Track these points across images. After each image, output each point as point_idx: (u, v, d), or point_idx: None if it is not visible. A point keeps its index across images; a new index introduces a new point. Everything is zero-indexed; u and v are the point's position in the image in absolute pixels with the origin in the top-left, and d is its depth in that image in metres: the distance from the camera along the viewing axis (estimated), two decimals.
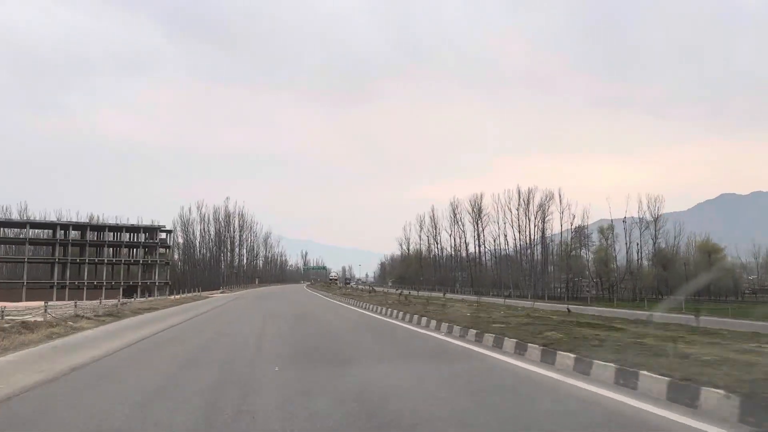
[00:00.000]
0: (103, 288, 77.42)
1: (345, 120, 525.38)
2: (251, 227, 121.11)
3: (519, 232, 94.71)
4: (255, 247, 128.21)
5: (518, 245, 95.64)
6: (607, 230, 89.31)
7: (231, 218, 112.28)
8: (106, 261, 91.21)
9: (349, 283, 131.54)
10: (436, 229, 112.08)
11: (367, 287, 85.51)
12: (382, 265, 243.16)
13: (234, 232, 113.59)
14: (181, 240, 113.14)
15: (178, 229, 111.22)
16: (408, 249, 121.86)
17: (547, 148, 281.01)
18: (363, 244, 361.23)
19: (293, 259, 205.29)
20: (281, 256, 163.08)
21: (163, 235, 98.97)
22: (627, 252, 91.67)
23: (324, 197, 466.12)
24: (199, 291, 70.12)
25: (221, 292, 63.63)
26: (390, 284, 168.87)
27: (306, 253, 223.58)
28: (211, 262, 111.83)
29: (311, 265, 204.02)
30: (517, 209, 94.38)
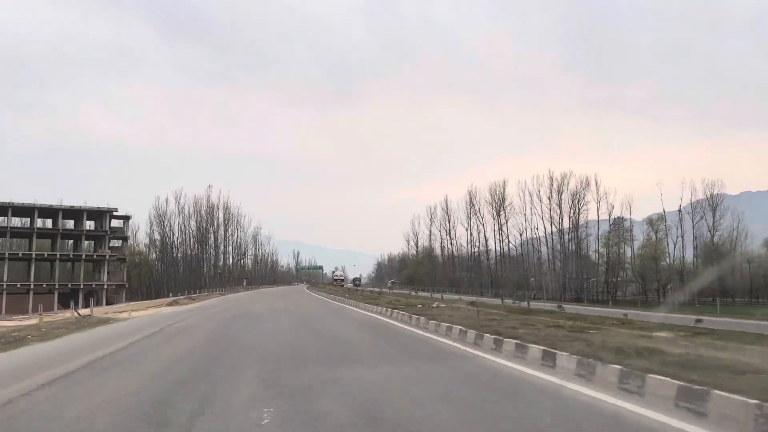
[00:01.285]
0: (31, 293, 59.18)
1: (332, 120, 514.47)
2: (238, 221, 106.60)
3: (551, 224, 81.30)
4: (243, 244, 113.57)
5: (549, 240, 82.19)
6: (657, 222, 76.19)
7: (214, 210, 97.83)
8: (34, 256, 65.78)
9: (358, 285, 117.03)
10: (449, 223, 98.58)
11: (376, 290, 71.98)
12: (379, 265, 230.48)
13: (218, 226, 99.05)
14: (158, 236, 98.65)
15: (155, 224, 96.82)
16: (417, 245, 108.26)
17: (540, 147, 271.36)
18: (353, 245, 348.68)
19: (284, 260, 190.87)
20: (272, 255, 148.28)
21: (118, 223, 77.90)
22: (674, 247, 78.74)
23: (312, 198, 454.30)
24: (173, 296, 56.25)
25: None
26: (389, 285, 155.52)
27: (298, 253, 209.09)
28: (192, 262, 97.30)
29: (304, 264, 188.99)
30: (549, 198, 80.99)
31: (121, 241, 79.01)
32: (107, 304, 44.15)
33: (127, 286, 67.19)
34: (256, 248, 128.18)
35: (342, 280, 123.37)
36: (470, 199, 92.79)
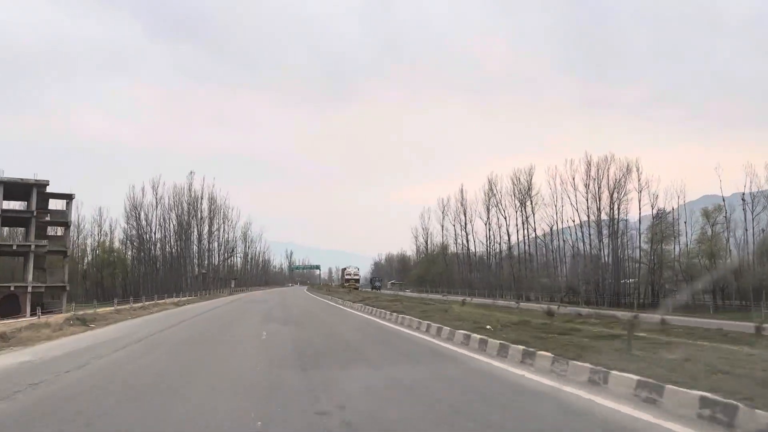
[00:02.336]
0: None
1: (326, 121, 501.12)
2: (225, 214, 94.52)
3: (587, 216, 70.17)
4: (231, 240, 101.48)
5: (586, 235, 71.10)
6: (714, 212, 65.25)
7: (197, 202, 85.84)
8: None
9: (378, 288, 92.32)
10: (465, 216, 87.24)
11: (393, 294, 60.29)
12: (376, 265, 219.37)
13: (202, 219, 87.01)
14: (134, 231, 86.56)
15: (131, 217, 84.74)
16: (427, 242, 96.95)
17: (536, 149, 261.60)
18: (347, 246, 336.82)
19: (276, 260, 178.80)
20: (264, 253, 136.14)
21: (58, 205, 56.16)
22: (727, 242, 67.93)
23: (304, 199, 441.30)
24: (147, 300, 44.37)
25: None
26: (389, 287, 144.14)
27: (291, 253, 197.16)
28: (172, 261, 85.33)
29: (298, 264, 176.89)
30: (586, 185, 69.89)
31: (62, 229, 58.16)
32: (43, 311, 32.35)
33: (68, 288, 53.05)
34: (246, 246, 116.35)
35: (356, 281, 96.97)
36: (491, 187, 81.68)
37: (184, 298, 42.81)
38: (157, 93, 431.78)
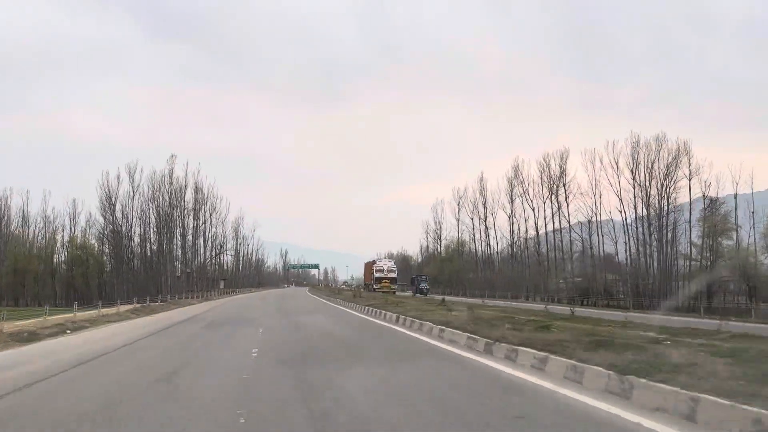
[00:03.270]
0: None
1: (320, 121, 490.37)
2: (213, 206, 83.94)
3: (634, 207, 60.49)
4: (220, 235, 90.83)
5: (632, 228, 61.40)
6: None
7: (181, 191, 75.29)
8: None
9: (425, 291, 65.29)
10: (486, 208, 77.26)
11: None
12: None
13: (186, 211, 76.42)
14: (110, 226, 75.96)
15: (106, 209, 74.15)
16: (440, 238, 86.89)
17: (531, 150, 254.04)
18: (343, 247, 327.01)
19: (271, 259, 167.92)
20: (258, 251, 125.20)
21: None
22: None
23: (299, 199, 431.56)
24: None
25: None
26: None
27: (286, 252, 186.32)
28: (152, 259, 74.91)
29: (294, 263, 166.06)
30: (633, 171, 60.22)
31: None
32: None
33: None
34: (237, 243, 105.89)
35: (390, 281, 64.94)
36: (515, 173, 71.83)
37: (156, 305, 32.20)
38: (150, 93, 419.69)
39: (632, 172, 60.12)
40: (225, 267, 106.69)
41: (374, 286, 63.02)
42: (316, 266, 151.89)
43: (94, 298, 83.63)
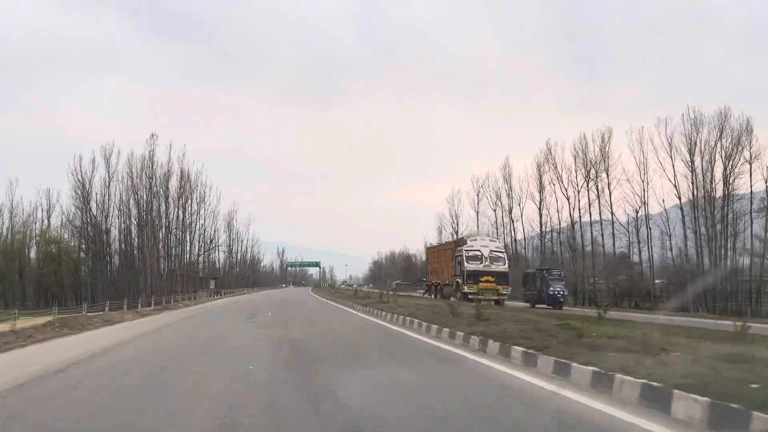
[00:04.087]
0: None
1: (318, 120, 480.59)
2: (202, 196, 74.76)
3: (695, 194, 51.67)
4: (210, 228, 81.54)
5: (689, 220, 52.64)
6: None
7: (166, 177, 66.06)
8: None
9: (562, 296, 37.79)
10: (511, 198, 68.28)
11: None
12: (376, 264, 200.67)
13: (170, 200, 67.12)
14: (84, 216, 66.70)
15: (78, 198, 64.88)
16: (457, 233, 77.90)
17: (529, 152, 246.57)
18: (340, 247, 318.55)
19: (267, 258, 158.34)
20: (253, 247, 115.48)
21: None
22: None
23: (296, 199, 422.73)
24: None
25: None
26: (393, 287, 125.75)
27: (283, 250, 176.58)
28: (132, 257, 65.78)
29: (293, 260, 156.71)
30: (690, 150, 51.47)
31: None
32: None
33: None
34: (230, 239, 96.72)
35: (497, 278, 35.08)
36: (548, 156, 62.92)
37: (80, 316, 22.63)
38: (149, 93, 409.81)
39: (690, 153, 51.38)
40: (217, 265, 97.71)
41: (464, 289, 34.17)
42: (317, 264, 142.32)
43: (68, 299, 74.65)
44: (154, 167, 62.55)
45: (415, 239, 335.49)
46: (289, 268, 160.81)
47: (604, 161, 57.23)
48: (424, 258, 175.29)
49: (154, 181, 62.15)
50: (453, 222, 78.80)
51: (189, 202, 70.10)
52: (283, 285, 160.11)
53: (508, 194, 68.52)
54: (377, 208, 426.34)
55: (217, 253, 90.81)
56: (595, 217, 58.89)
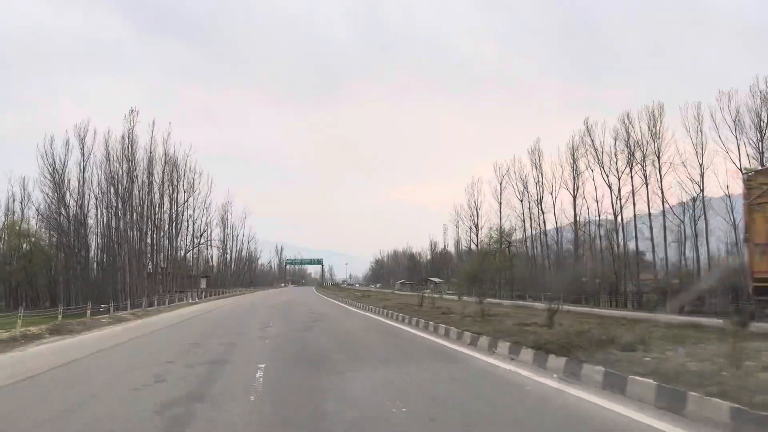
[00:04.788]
0: None
1: (315, 120, 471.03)
2: (192, 183, 66.73)
3: None
4: (201, 220, 73.39)
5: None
6: None
7: (151, 163, 58.03)
8: None
9: None
10: (542, 186, 60.26)
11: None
12: (378, 263, 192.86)
13: (154, 186, 59.07)
14: (62, 207, 58.68)
15: (48, 185, 56.83)
16: (477, 226, 69.91)
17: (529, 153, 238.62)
18: (339, 246, 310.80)
19: (264, 256, 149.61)
20: (249, 243, 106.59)
21: None
22: None
23: (294, 198, 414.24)
24: None
25: None
26: (398, 287, 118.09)
27: (281, 248, 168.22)
28: (112, 253, 57.84)
29: (294, 257, 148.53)
30: (758, 129, 43.81)
31: None
32: None
33: None
34: (224, 233, 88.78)
35: None
36: (582, 140, 55.19)
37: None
38: (144, 91, 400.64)
39: (759, 131, 43.69)
40: (210, 263, 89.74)
41: None
42: (319, 261, 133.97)
43: (42, 299, 66.68)
44: (134, 148, 54.47)
45: (417, 238, 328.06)
46: (288, 267, 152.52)
47: (654, 142, 49.55)
48: (428, 258, 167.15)
49: (133, 164, 54.11)
50: (472, 215, 70.68)
51: (176, 190, 62.10)
52: (282, 284, 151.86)
53: (538, 181, 60.67)
54: (375, 208, 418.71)
55: (209, 249, 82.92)
56: (648, 206, 51.12)
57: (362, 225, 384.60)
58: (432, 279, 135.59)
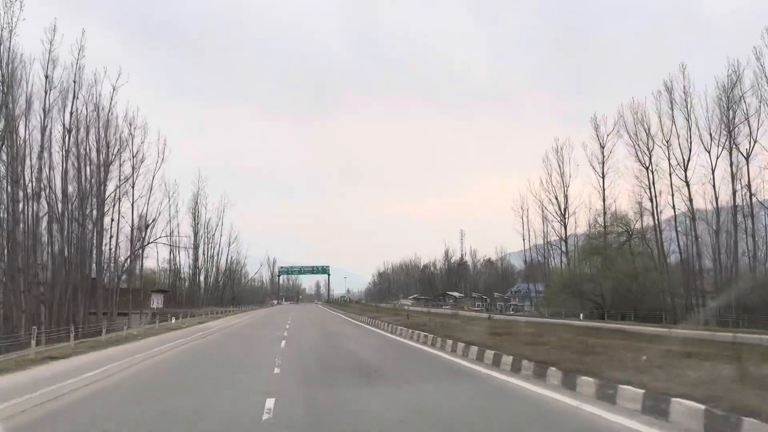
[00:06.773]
0: None
1: (308, 133, 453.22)
2: (126, 141, 46.69)
3: None
4: (154, 208, 53.26)
5: None
6: None
7: (106, 128, 38.09)
8: None
9: None
10: (688, 140, 40.09)
11: None
12: (382, 276, 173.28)
13: (110, 160, 38.94)
14: None
15: None
16: (566, 215, 49.62)
17: (530, 165, 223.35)
18: (335, 262, 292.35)
19: (253, 268, 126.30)
20: (231, 247, 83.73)
21: None
22: None
23: (287, 213, 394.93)
24: None
25: None
26: (410, 303, 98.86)
27: (274, 261, 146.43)
28: (68, 260, 37.71)
29: (291, 265, 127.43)
30: None
31: None
32: None
33: None
34: (194, 233, 68.64)
35: None
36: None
37: None
38: (132, 102, 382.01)
39: None
40: (180, 275, 69.18)
41: None
42: (325, 270, 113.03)
43: None
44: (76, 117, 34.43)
45: (416, 251, 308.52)
46: (281, 281, 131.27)
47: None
48: (444, 269, 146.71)
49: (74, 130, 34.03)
50: (557, 198, 49.81)
51: (114, 159, 42.13)
52: (275, 301, 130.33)
53: (648, 145, 40.97)
54: (372, 222, 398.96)
55: (177, 252, 62.53)
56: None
57: (360, 240, 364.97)
58: (450, 293, 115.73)
